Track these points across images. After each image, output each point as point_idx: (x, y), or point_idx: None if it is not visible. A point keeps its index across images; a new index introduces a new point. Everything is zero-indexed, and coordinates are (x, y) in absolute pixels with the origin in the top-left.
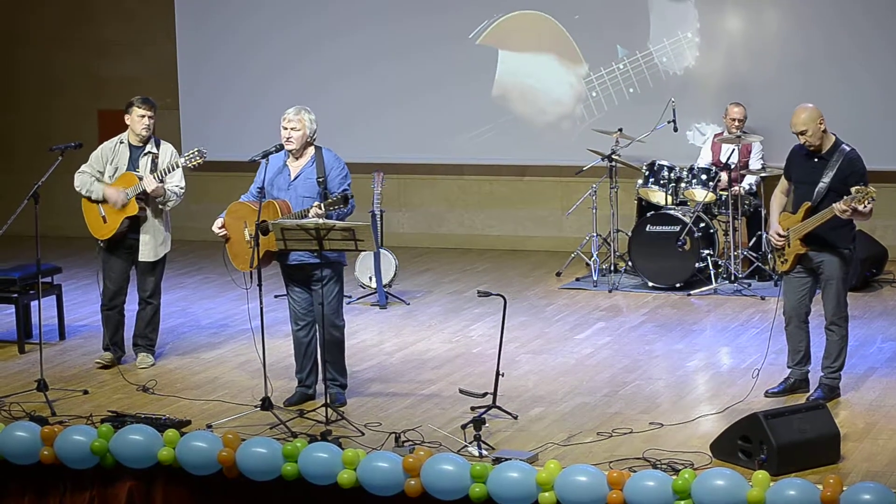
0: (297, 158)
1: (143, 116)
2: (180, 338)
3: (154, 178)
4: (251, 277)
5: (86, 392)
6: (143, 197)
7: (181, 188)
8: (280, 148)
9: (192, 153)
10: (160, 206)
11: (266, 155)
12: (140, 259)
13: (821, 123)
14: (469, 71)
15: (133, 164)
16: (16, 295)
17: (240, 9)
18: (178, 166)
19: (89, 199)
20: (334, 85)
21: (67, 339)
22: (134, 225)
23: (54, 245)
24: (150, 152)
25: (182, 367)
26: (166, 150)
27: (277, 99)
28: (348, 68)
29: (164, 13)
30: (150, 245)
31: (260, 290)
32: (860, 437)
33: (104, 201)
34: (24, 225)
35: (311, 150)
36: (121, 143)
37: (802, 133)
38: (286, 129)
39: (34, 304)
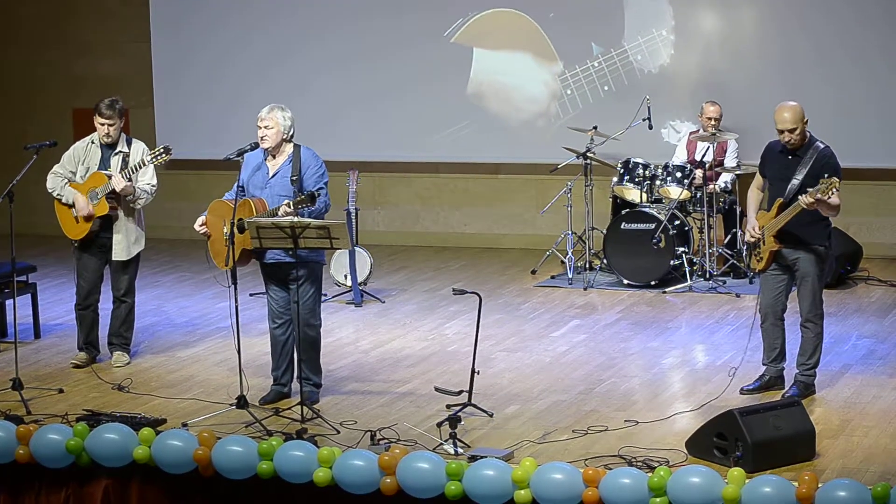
0: (274, 157)
1: (103, 125)
2: (155, 336)
3: (122, 176)
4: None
5: (61, 391)
6: (114, 196)
7: (152, 186)
8: (255, 146)
9: (158, 150)
10: (131, 205)
11: (241, 153)
12: (113, 258)
13: (805, 122)
14: (444, 69)
15: (104, 164)
16: None
17: (217, 9)
18: (145, 164)
19: (60, 201)
20: (311, 84)
21: (42, 337)
22: (106, 224)
23: (29, 243)
24: (120, 151)
25: (157, 365)
26: (137, 149)
27: (254, 98)
28: (324, 67)
29: (141, 13)
30: (123, 244)
31: (235, 288)
32: (835, 434)
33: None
34: None
35: (288, 149)
36: (92, 143)
37: (790, 131)
38: (260, 127)
39: (9, 302)
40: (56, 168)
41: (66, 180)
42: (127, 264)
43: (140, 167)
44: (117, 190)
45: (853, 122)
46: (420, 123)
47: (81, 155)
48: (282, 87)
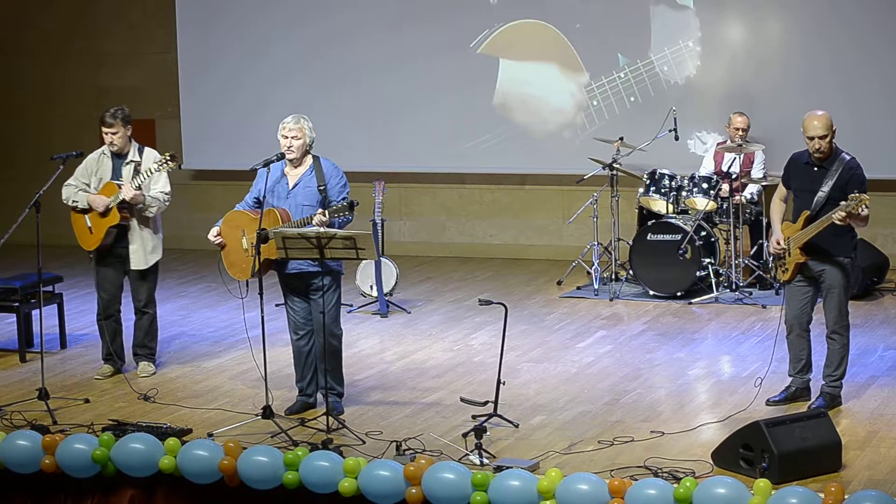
0: (295, 167)
1: (107, 134)
2: (181, 346)
3: (131, 185)
4: (247, 286)
5: (87, 401)
6: (127, 206)
7: (165, 193)
8: (281, 157)
9: (164, 158)
10: (144, 214)
11: (268, 163)
12: (131, 267)
13: (833, 131)
14: (470, 80)
15: (116, 174)
16: (17, 304)
17: (241, 17)
18: (152, 172)
19: (76, 209)
20: (335, 93)
21: (68, 347)
22: (121, 234)
23: (55, 254)
24: (132, 161)
25: (183, 375)
26: (149, 157)
27: (278, 108)
28: (349, 77)
29: (164, 23)
30: (140, 254)
31: (261, 298)
32: (861, 446)
33: (90, 209)
34: (26, 234)
35: (309, 159)
36: (104, 154)
37: (822, 138)
38: (286, 137)
39: (35, 312)
40: (70, 180)
41: (80, 189)
42: (145, 274)
43: (148, 175)
44: (126, 199)
45: (879, 133)
46: (446, 134)
47: (94, 166)
48: (306, 97)
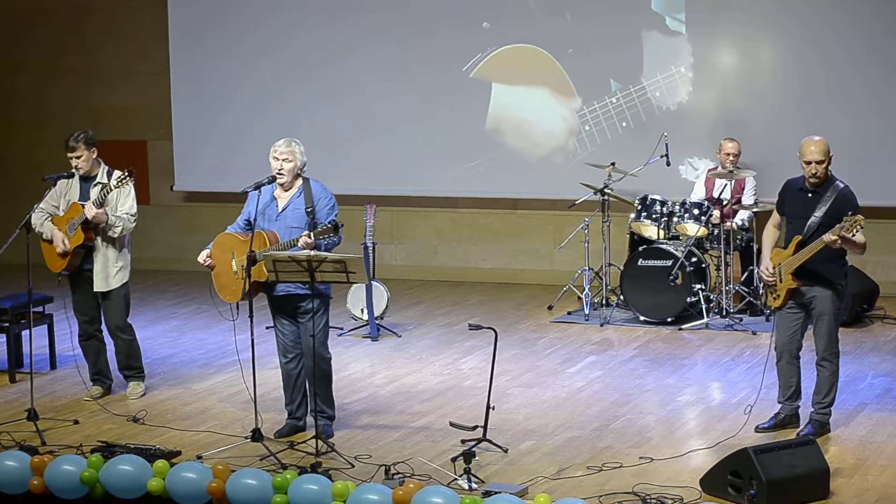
0: (285, 190)
1: (71, 158)
2: (171, 368)
3: (93, 204)
4: (237, 309)
5: (76, 422)
6: (93, 227)
7: (131, 215)
8: (272, 179)
9: (123, 175)
10: (109, 234)
11: (258, 186)
12: (94, 289)
13: (831, 157)
14: (462, 104)
15: (84, 196)
16: (7, 324)
17: (231, 37)
18: (112, 189)
19: (42, 237)
20: (327, 116)
21: (58, 368)
22: (88, 255)
23: (46, 274)
24: (99, 182)
25: (173, 397)
26: (115, 178)
27: (268, 129)
28: (341, 100)
29: (156, 43)
30: (102, 275)
31: (251, 321)
32: (850, 473)
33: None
34: (16, 254)
35: (298, 182)
36: (73, 177)
37: (819, 163)
38: (277, 160)
39: (25, 333)
40: (41, 204)
41: (49, 215)
42: (110, 296)
43: (108, 193)
44: (88, 217)
45: (871, 161)
46: (438, 158)
47: (63, 189)
48: (296, 119)
